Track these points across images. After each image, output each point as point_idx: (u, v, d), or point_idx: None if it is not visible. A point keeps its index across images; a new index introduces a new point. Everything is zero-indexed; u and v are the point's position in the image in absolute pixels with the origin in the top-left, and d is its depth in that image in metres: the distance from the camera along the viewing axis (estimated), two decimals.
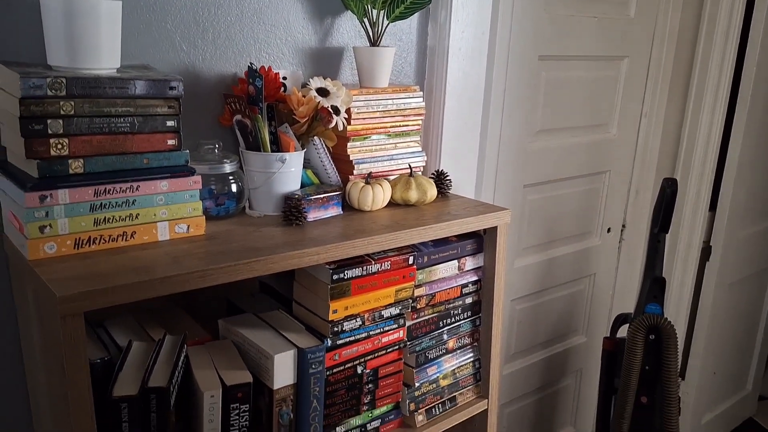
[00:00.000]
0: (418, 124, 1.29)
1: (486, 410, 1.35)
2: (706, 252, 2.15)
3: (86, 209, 0.89)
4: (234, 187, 1.07)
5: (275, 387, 1.00)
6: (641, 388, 1.72)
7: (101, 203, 0.89)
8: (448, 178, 1.32)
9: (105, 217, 0.90)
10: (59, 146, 0.86)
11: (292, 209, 1.04)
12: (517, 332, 1.92)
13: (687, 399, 2.24)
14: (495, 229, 1.23)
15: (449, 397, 1.29)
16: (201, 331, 1.08)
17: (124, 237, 0.92)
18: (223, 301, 1.25)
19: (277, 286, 1.24)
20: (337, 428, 1.13)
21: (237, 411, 0.96)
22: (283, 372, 1.00)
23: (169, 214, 0.96)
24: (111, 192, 0.90)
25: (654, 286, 1.70)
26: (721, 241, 2.12)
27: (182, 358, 0.96)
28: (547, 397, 2.10)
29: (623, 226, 2.09)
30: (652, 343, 1.69)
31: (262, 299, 1.24)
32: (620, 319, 1.83)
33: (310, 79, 1.10)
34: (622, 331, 1.86)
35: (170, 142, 0.94)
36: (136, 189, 0.92)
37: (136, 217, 0.93)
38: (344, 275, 1.06)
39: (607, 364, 1.81)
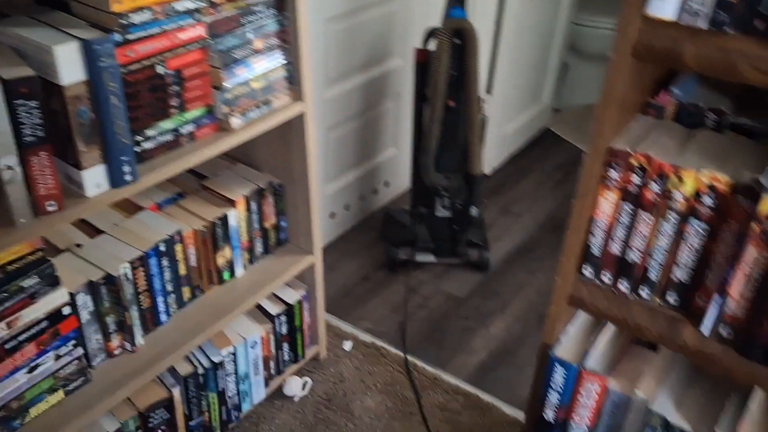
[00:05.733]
0: None
1: (302, 113, 1.40)
2: None
3: None
4: None
5: (64, 83, 0.94)
6: (448, 92, 1.87)
7: None
8: None
9: None
10: None
11: None
12: (334, 55, 1.94)
13: (493, 111, 2.49)
14: None
15: (263, 100, 1.31)
16: None
17: None
18: None
19: None
20: (147, 131, 1.12)
21: (25, 107, 0.90)
22: (69, 67, 0.94)
23: None
24: None
25: None
26: None
27: None
28: (369, 120, 2.22)
29: None
30: (457, 48, 1.80)
31: (39, 9, 1.10)
32: (431, 32, 1.91)
33: None
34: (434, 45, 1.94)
35: None
36: None
37: None
38: None
39: (419, 75, 1.92)
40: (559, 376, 0.98)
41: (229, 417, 1.56)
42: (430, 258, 2.19)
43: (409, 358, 1.87)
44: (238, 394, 1.56)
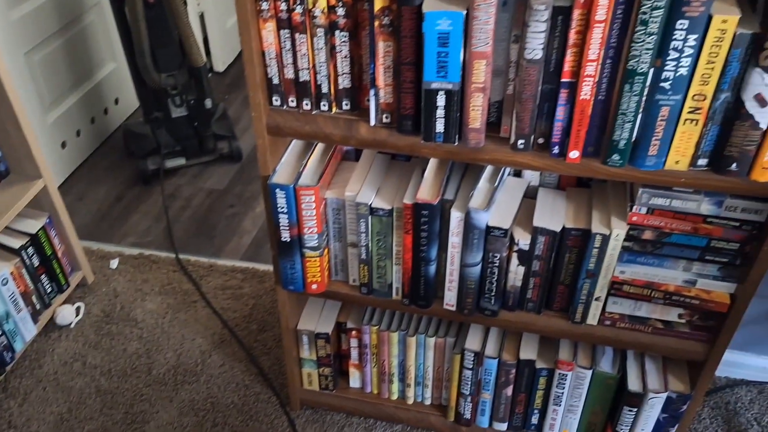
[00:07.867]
0: None
1: None
2: None
3: None
4: None
5: None
6: None
7: None
8: None
9: None
10: None
11: None
12: None
13: (209, 7, 2.48)
14: None
15: None
16: None
17: None
18: None
19: None
20: None
21: None
22: None
23: None
24: None
25: None
26: None
27: None
28: (73, 38, 2.10)
29: None
30: None
31: None
32: None
33: None
34: None
35: None
36: None
37: None
38: None
39: None
40: (281, 199, 1.13)
41: (3, 359, 1.51)
42: (180, 161, 2.22)
43: (182, 256, 1.94)
44: (4, 334, 1.50)
